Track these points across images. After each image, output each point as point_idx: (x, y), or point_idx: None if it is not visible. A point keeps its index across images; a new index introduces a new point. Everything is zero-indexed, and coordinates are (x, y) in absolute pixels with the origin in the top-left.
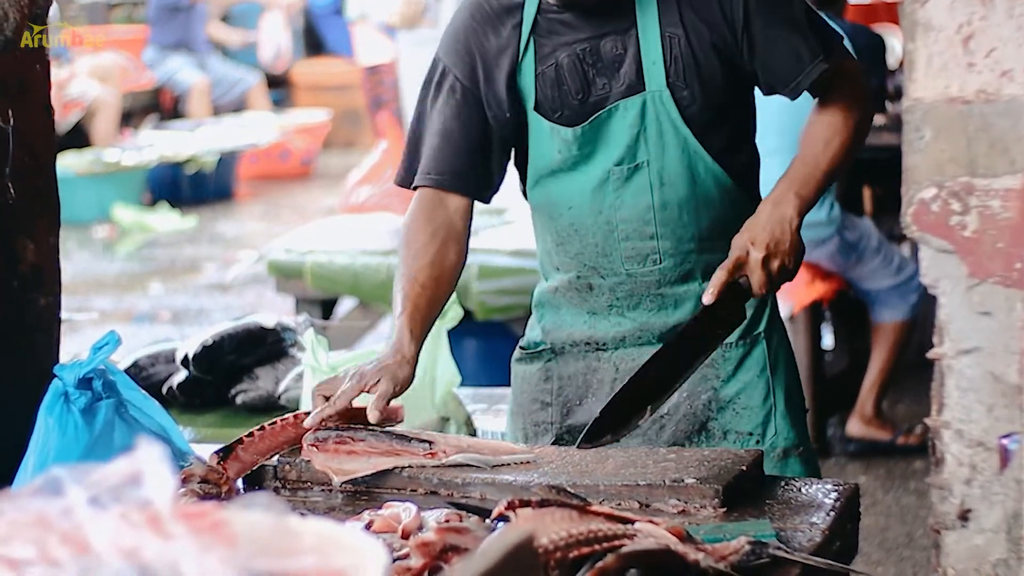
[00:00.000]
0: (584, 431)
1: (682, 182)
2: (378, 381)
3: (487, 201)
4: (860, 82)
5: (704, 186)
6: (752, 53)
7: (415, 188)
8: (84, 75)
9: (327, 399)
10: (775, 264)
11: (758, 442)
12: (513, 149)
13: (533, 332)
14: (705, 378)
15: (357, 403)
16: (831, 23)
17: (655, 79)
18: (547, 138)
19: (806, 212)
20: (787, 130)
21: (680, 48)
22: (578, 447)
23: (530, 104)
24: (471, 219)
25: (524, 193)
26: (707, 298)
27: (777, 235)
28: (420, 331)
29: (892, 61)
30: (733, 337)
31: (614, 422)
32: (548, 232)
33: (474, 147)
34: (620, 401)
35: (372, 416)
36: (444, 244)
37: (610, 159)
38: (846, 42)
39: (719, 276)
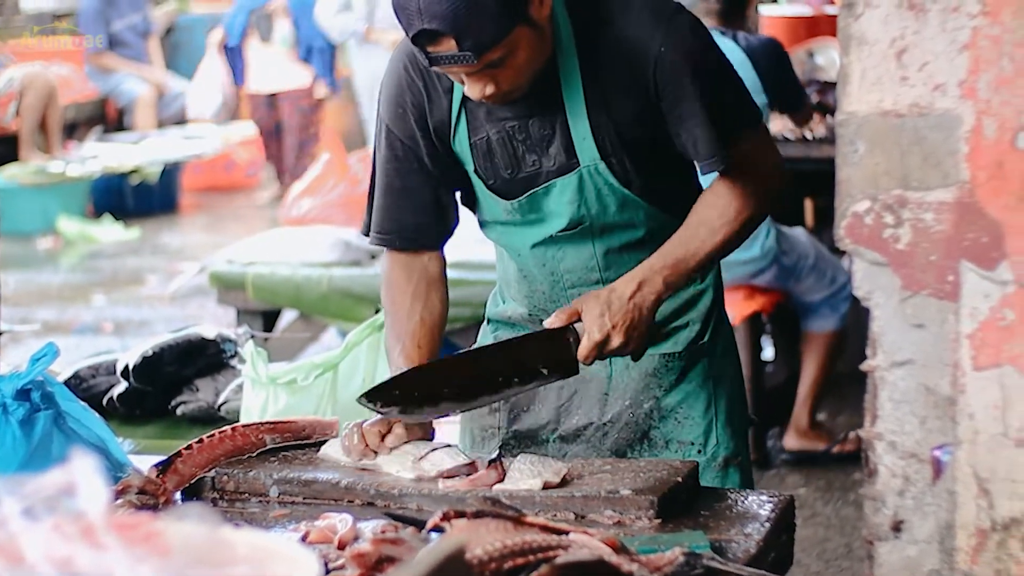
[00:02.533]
0: (379, 384)
1: (623, 231)
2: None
3: (442, 247)
4: (767, 165)
5: (645, 228)
6: (665, 127)
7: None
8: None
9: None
10: (615, 343)
11: (700, 452)
12: (461, 191)
13: (485, 339)
14: (648, 387)
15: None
16: (727, 41)
17: (587, 154)
18: (490, 199)
19: (668, 294)
20: None
21: (607, 131)
22: (361, 397)
23: (469, 167)
24: (444, 258)
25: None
26: (548, 323)
27: (635, 321)
28: None
29: (833, 73)
30: (678, 348)
31: (408, 396)
32: (508, 263)
33: (419, 205)
34: (426, 376)
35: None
36: (427, 298)
37: (554, 227)
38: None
39: (558, 317)
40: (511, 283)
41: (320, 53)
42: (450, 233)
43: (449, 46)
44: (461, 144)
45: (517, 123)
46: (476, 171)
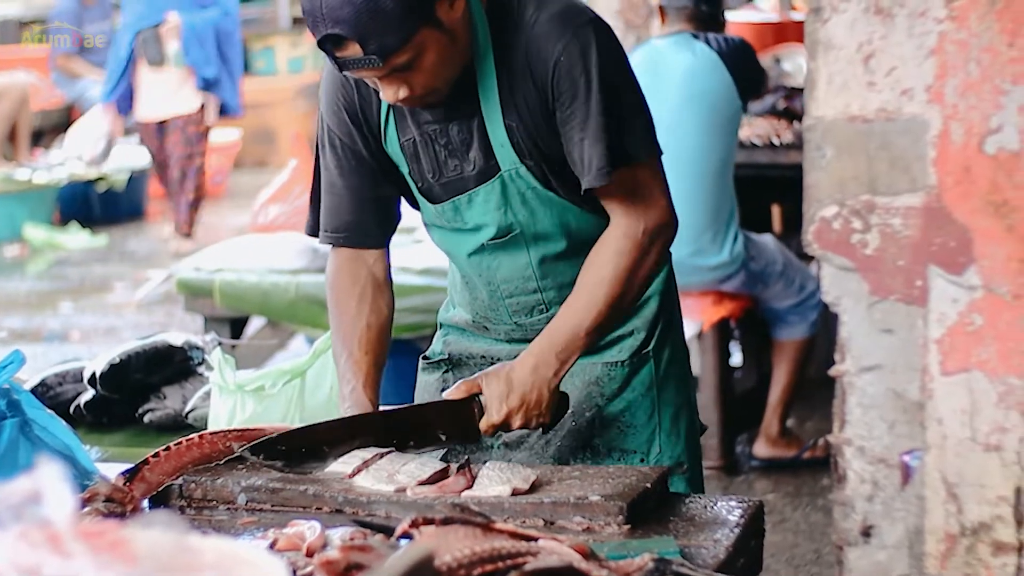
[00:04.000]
0: (263, 439)
1: (557, 236)
2: None
3: (386, 245)
4: (657, 207)
5: (579, 233)
6: (562, 138)
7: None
8: None
9: None
10: (516, 424)
11: (642, 460)
12: (403, 191)
13: (436, 344)
14: (590, 396)
15: None
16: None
17: (507, 159)
18: (423, 201)
19: (567, 368)
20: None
21: (520, 135)
22: (245, 449)
23: (404, 168)
24: (389, 259)
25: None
26: (448, 394)
27: (534, 401)
28: (377, 395)
29: (801, 79)
30: (623, 356)
31: (293, 453)
32: (453, 271)
33: (361, 202)
34: (316, 433)
35: None
36: (373, 300)
37: (483, 236)
38: (715, 57)
39: (460, 388)
40: (457, 288)
41: (217, 83)
42: (393, 231)
43: (355, 50)
44: (392, 145)
45: (437, 127)
46: (410, 172)
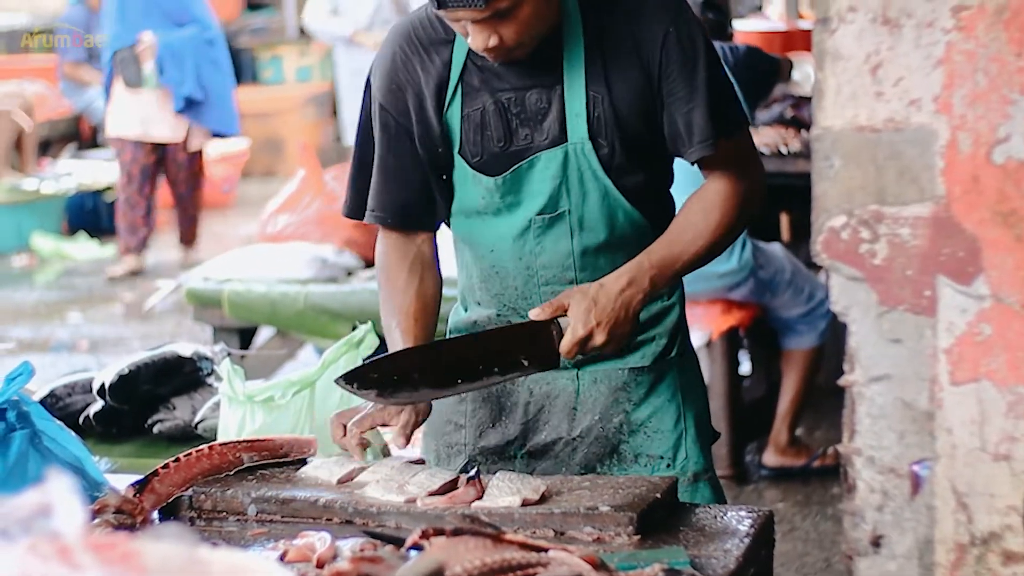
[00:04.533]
0: (357, 367)
1: (601, 227)
2: (400, 411)
3: (435, 229)
4: (753, 172)
5: (622, 230)
6: (660, 112)
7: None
8: None
9: (344, 428)
10: (598, 340)
11: (668, 466)
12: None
13: None
14: (617, 401)
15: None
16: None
17: (577, 131)
18: (470, 183)
19: (654, 293)
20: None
21: (603, 107)
22: (339, 378)
23: (455, 146)
24: (436, 244)
25: (448, 223)
26: (533, 313)
27: (620, 319)
28: None
29: (808, 88)
30: (646, 361)
31: (386, 380)
32: (472, 267)
33: (413, 182)
34: (403, 360)
35: (399, 443)
36: (422, 278)
37: (532, 209)
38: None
39: (544, 309)
40: (475, 287)
41: (197, 104)
42: (441, 217)
43: None
44: (453, 117)
45: (514, 95)
46: (462, 150)
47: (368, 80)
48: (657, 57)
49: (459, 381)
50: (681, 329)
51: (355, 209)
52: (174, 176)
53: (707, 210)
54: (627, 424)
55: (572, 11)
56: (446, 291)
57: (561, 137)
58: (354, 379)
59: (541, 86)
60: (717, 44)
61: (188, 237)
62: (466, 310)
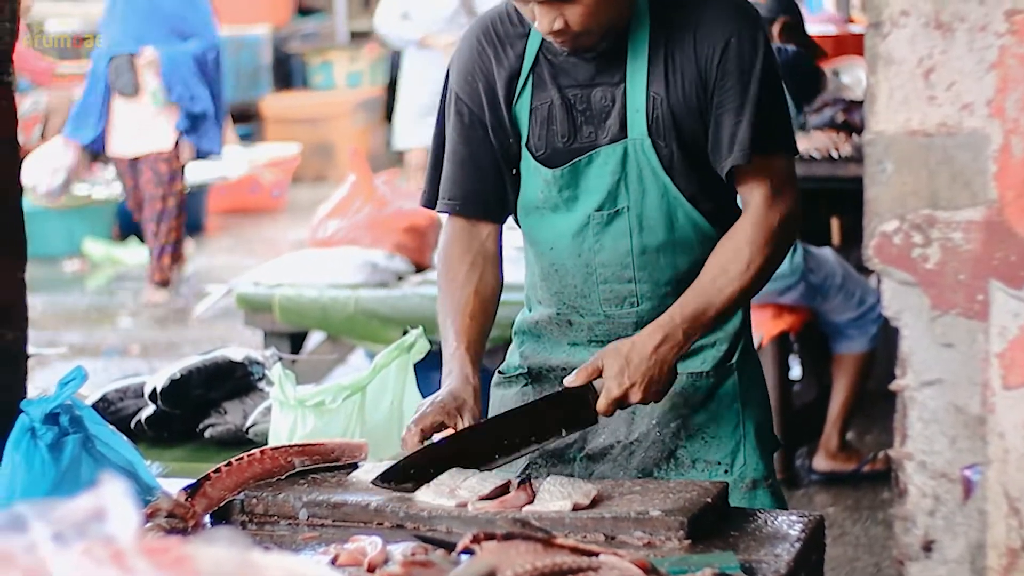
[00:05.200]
0: (390, 467)
1: (661, 227)
2: (462, 412)
3: (503, 222)
4: (786, 197)
5: (682, 231)
6: (709, 119)
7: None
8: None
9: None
10: (633, 399)
11: (726, 471)
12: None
13: (512, 357)
14: (675, 406)
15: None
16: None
17: (637, 127)
18: (532, 175)
19: (689, 346)
20: None
21: (662, 107)
22: (376, 479)
23: (523, 136)
24: (501, 240)
25: (517, 221)
26: (568, 381)
27: (655, 378)
28: (479, 362)
29: (859, 92)
30: (706, 367)
31: (423, 472)
32: (535, 265)
33: (483, 172)
34: (439, 450)
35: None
36: (483, 272)
37: (591, 204)
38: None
39: (579, 375)
40: (537, 285)
41: (203, 120)
42: (510, 211)
43: None
44: (522, 109)
45: (580, 92)
46: (528, 142)
47: (447, 73)
48: (715, 64)
49: (496, 457)
50: (743, 335)
51: (430, 200)
52: (152, 190)
53: (738, 250)
54: (684, 429)
55: (642, 8)
56: (511, 296)
57: (621, 134)
58: (391, 477)
59: (607, 84)
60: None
61: (160, 272)
62: (530, 310)
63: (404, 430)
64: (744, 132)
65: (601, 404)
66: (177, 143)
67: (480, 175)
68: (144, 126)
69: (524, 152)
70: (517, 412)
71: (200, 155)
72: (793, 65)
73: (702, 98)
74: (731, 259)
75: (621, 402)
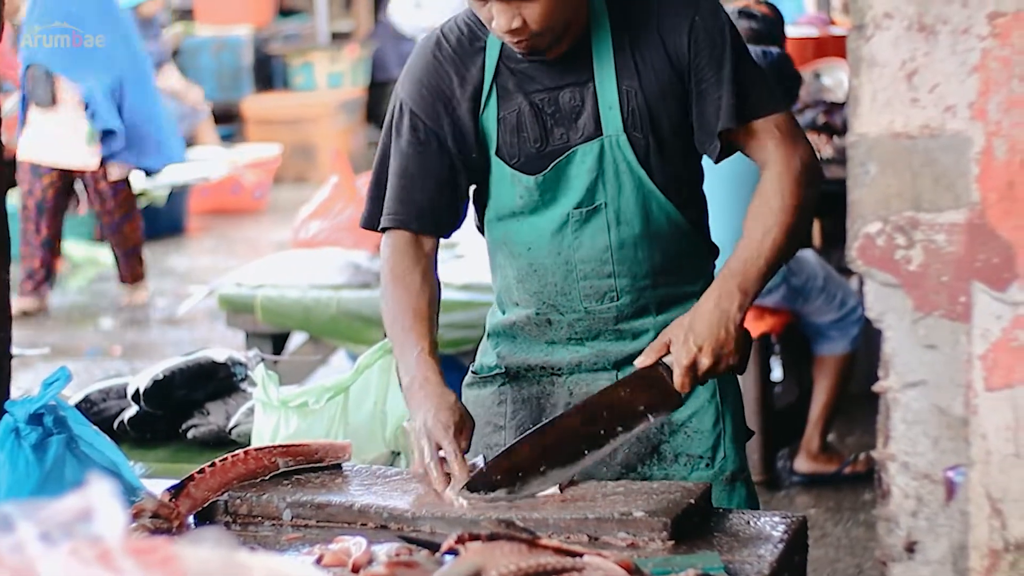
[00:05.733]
0: (476, 474)
1: (637, 220)
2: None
3: (447, 237)
4: (799, 146)
5: (657, 223)
6: (690, 102)
7: (382, 230)
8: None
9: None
10: (705, 364)
11: (708, 465)
12: (473, 186)
13: (487, 357)
14: None
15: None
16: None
17: (612, 124)
18: (508, 183)
19: (749, 306)
20: (732, 181)
21: (636, 100)
22: (463, 489)
23: (492, 148)
24: (437, 258)
25: (480, 228)
26: (639, 362)
27: (721, 338)
28: (440, 364)
29: (840, 94)
30: None
31: (511, 477)
32: (508, 268)
33: (437, 187)
34: (522, 451)
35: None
36: (432, 282)
37: (570, 203)
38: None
39: (648, 354)
40: (512, 287)
41: (115, 137)
42: (455, 226)
43: None
44: (489, 119)
45: (547, 95)
46: (499, 151)
47: (395, 91)
48: (684, 47)
49: (585, 452)
50: None
51: (373, 221)
52: (99, 207)
53: (769, 199)
54: (667, 424)
55: (598, 7)
56: (479, 297)
57: (596, 132)
58: (478, 486)
59: (574, 84)
60: (753, 48)
61: (128, 274)
62: (504, 312)
63: (424, 455)
64: (728, 99)
65: (677, 378)
66: (103, 163)
67: (434, 189)
68: (59, 137)
69: (495, 161)
70: (590, 402)
71: (147, 172)
72: (778, 69)
73: (677, 83)
74: (766, 210)
75: (694, 371)
